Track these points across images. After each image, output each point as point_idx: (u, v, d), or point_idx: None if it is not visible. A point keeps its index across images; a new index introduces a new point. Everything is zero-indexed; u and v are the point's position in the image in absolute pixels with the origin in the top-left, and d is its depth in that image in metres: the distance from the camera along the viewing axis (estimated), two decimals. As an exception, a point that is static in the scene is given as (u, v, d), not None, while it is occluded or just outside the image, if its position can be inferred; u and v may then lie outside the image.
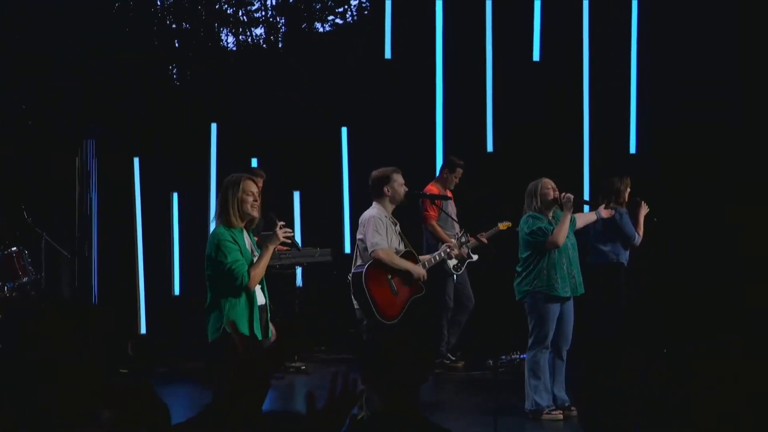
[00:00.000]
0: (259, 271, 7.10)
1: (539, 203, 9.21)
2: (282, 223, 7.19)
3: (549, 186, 9.25)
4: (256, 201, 7.20)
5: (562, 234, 9.11)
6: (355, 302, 8.58)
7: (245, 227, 7.29)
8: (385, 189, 8.62)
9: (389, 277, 8.60)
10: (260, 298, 7.23)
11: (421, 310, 8.86)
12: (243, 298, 7.09)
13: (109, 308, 12.06)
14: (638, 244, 10.73)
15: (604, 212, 9.97)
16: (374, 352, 3.93)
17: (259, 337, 7.09)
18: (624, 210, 10.73)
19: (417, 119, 13.40)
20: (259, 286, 7.24)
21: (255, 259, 7.16)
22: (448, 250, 9.21)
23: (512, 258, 9.51)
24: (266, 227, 7.56)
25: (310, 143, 13.28)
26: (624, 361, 3.38)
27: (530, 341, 9.23)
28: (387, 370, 3.89)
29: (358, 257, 8.65)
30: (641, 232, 10.72)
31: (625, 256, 10.76)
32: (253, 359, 3.62)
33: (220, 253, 7.08)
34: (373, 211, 8.58)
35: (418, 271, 8.66)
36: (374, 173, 8.75)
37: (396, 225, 8.70)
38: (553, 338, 9.22)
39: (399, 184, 8.68)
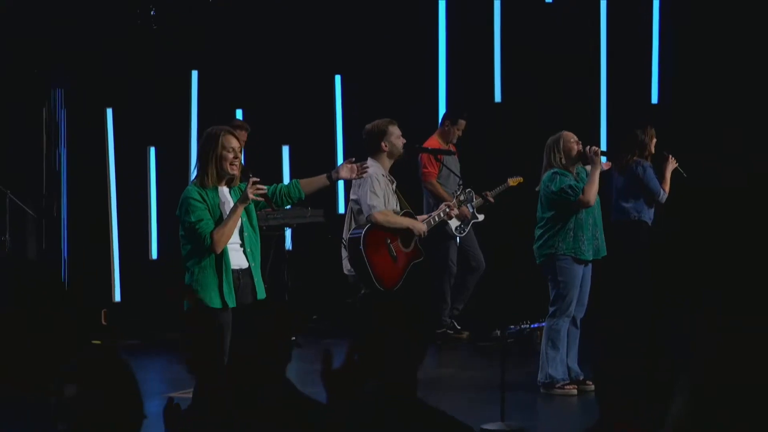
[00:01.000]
0: (226, 232, 7.02)
1: (563, 159, 9.10)
2: (255, 179, 7.10)
3: (572, 139, 9.16)
4: (236, 158, 7.13)
5: (594, 191, 9.03)
6: (348, 269, 8.53)
7: (228, 185, 7.21)
8: (383, 144, 8.57)
9: (388, 241, 8.57)
10: (241, 261, 7.16)
11: (422, 277, 8.82)
12: (212, 262, 7.05)
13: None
14: (664, 201, 10.65)
15: (605, 165, 9.76)
16: (366, 326, 3.85)
17: (231, 304, 7.04)
18: (648, 164, 10.63)
19: (418, 66, 13.30)
20: (242, 249, 7.17)
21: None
22: (447, 209, 9.13)
23: (522, 217, 9.41)
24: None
25: (300, 93, 13.17)
26: (641, 333, 3.34)
27: (552, 309, 9.19)
28: (381, 347, 3.79)
29: (352, 220, 8.59)
30: (667, 188, 10.64)
31: (649, 215, 10.67)
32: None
33: (184, 212, 7.06)
34: (370, 168, 8.50)
35: (419, 227, 8.62)
36: (368, 127, 8.71)
37: (393, 183, 8.64)
38: (569, 305, 9.21)
39: (396, 136, 8.63)
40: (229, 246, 7.08)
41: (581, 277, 9.14)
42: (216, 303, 6.98)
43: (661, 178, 10.65)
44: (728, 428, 2.50)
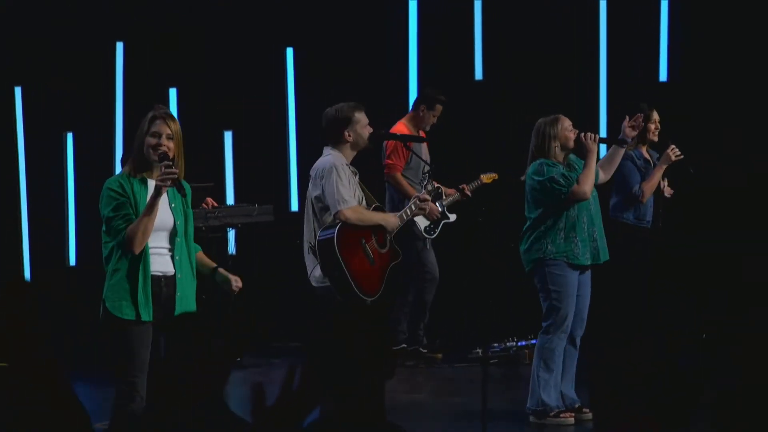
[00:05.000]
0: (141, 228, 7.08)
1: (558, 147, 9.14)
2: (167, 163, 7.11)
3: (570, 127, 9.19)
4: (161, 145, 7.14)
5: (590, 181, 9.07)
6: (317, 278, 8.51)
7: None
8: (346, 133, 8.57)
9: (363, 241, 8.60)
10: (166, 267, 7.27)
11: (394, 285, 8.83)
12: (127, 264, 7.15)
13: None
14: (643, 199, 10.64)
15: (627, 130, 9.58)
16: (324, 340, 3.93)
17: (146, 318, 7.14)
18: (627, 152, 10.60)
19: (384, 38, 13.27)
20: (169, 254, 7.27)
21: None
22: (418, 202, 9.13)
23: (509, 218, 9.43)
24: None
25: (244, 69, 13.14)
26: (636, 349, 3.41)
27: (545, 324, 9.17)
28: (341, 364, 3.87)
29: (313, 220, 8.57)
30: (649, 185, 10.65)
31: (632, 214, 10.70)
32: None
33: (101, 205, 7.22)
34: (331, 158, 8.53)
35: (391, 221, 8.68)
36: (330, 111, 8.69)
37: (356, 175, 8.69)
38: (566, 320, 9.25)
39: (363, 125, 8.64)
40: (153, 249, 7.18)
41: (577, 285, 9.17)
42: (128, 314, 7.11)
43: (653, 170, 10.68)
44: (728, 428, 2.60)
